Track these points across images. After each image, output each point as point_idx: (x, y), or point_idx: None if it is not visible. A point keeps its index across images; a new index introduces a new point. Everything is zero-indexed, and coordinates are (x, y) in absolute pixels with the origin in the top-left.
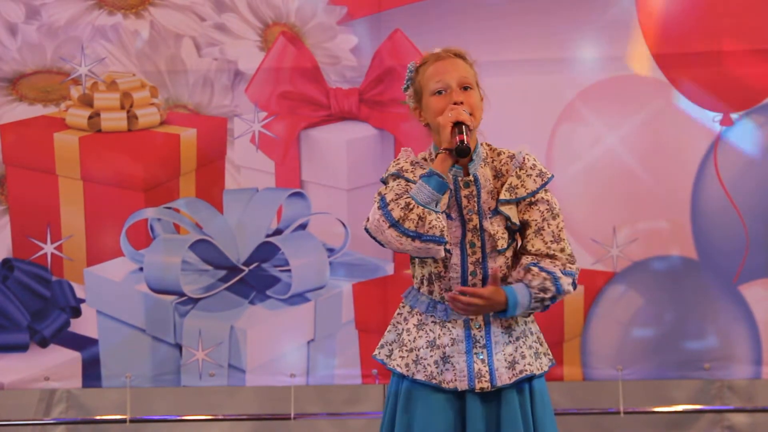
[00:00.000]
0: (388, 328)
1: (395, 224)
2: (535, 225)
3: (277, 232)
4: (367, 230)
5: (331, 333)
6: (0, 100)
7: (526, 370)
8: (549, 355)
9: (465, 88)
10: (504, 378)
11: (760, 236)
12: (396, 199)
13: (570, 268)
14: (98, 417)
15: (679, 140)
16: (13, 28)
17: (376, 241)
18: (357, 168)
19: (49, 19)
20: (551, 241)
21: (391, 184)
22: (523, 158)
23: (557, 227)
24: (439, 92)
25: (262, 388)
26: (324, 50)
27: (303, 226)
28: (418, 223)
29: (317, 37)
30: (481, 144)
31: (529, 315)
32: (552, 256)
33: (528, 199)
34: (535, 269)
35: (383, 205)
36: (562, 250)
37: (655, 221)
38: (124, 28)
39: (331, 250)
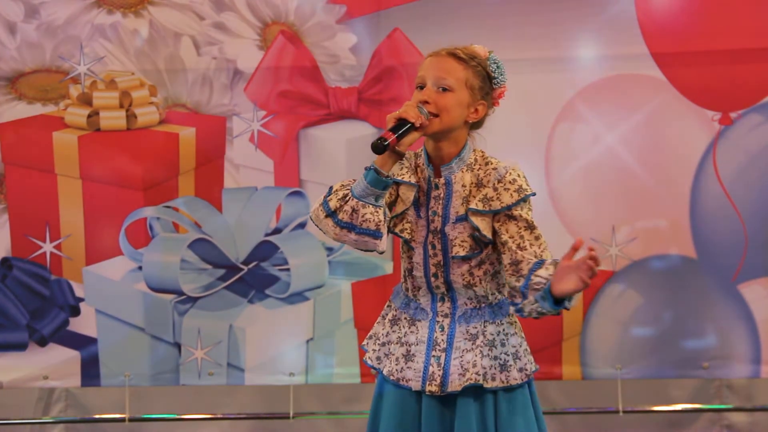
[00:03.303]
0: (377, 320)
1: (331, 214)
2: (513, 242)
3: (276, 231)
4: (311, 218)
5: (330, 332)
6: None
7: (472, 379)
8: (526, 370)
9: (442, 89)
10: (455, 384)
11: (759, 235)
12: (338, 190)
13: None
14: (97, 416)
15: (678, 139)
16: (12, 26)
17: (319, 229)
18: (356, 167)
19: (48, 18)
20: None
21: None
22: (506, 172)
23: (539, 247)
24: (420, 87)
25: (261, 387)
26: (323, 49)
27: (302, 225)
28: (352, 215)
29: (316, 36)
30: (474, 150)
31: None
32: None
33: (504, 213)
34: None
35: (327, 194)
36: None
37: (655, 220)
38: (123, 27)
39: (330, 249)
